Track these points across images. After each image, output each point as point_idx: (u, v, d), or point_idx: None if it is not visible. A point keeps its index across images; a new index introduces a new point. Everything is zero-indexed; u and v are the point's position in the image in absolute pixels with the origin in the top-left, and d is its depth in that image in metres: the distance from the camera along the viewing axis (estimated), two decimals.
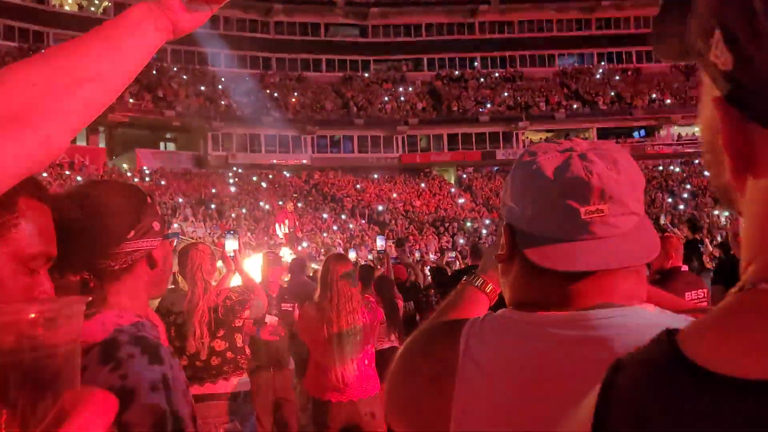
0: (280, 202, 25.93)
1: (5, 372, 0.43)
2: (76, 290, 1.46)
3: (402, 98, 45.69)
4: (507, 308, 1.13)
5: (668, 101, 44.35)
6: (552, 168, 1.06)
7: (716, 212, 29.32)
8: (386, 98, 45.19)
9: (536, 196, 1.07)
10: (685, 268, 5.65)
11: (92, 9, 41.04)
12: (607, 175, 1.04)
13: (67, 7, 40.39)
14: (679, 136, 44.47)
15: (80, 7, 41.10)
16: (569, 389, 0.90)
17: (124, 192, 1.53)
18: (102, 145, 38.95)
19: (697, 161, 41.14)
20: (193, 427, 1.37)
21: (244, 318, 4.42)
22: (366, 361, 4.58)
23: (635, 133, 45.27)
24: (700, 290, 5.37)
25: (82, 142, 37.03)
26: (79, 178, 30.22)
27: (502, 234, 1.16)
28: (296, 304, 5.85)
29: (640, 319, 1.01)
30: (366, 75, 47.82)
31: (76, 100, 0.85)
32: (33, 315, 0.44)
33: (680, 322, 1.01)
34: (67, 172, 31.31)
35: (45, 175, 29.13)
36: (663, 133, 44.47)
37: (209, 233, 26.07)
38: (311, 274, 9.56)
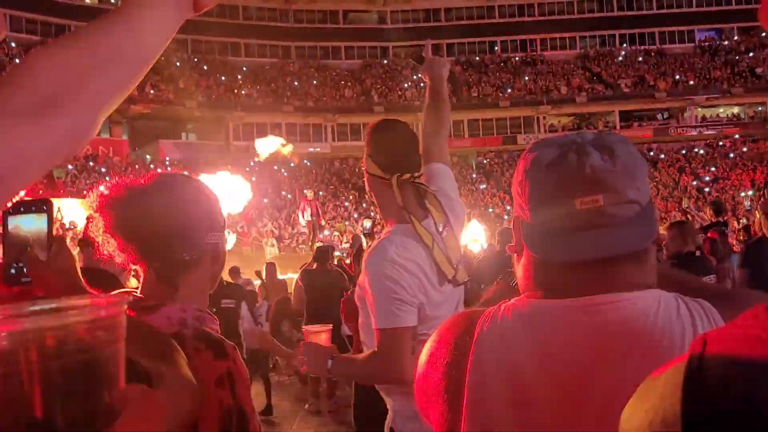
0: (306, 192, 26.01)
1: (52, 375, 0.43)
2: (153, 281, 1.50)
3: (422, 84, 45.33)
4: (518, 297, 1.17)
5: (692, 82, 43.78)
6: (548, 161, 1.10)
7: (742, 194, 28.99)
8: (406, 85, 45.05)
9: (534, 188, 1.11)
10: (698, 253, 5.76)
11: (113, 0, 41.27)
12: (600, 166, 1.06)
13: (88, 0, 40.65)
14: (704, 117, 43.93)
15: None
16: (574, 371, 1.02)
17: (199, 186, 1.58)
18: (125, 137, 39.27)
19: (721, 143, 40.64)
20: (256, 420, 1.40)
21: None
22: None
23: (658, 116, 44.77)
24: (711, 276, 5.49)
25: (105, 135, 37.36)
26: (103, 170, 30.55)
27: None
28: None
29: (642, 304, 1.05)
30: (385, 62, 47.70)
31: (102, 82, 0.83)
32: (78, 318, 0.44)
33: (687, 304, 1.05)
34: (91, 164, 31.66)
35: (70, 167, 29.49)
36: (687, 115, 43.93)
37: (232, 222, 26.27)
38: (336, 263, 9.60)
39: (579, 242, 1.06)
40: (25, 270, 1.28)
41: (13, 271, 1.28)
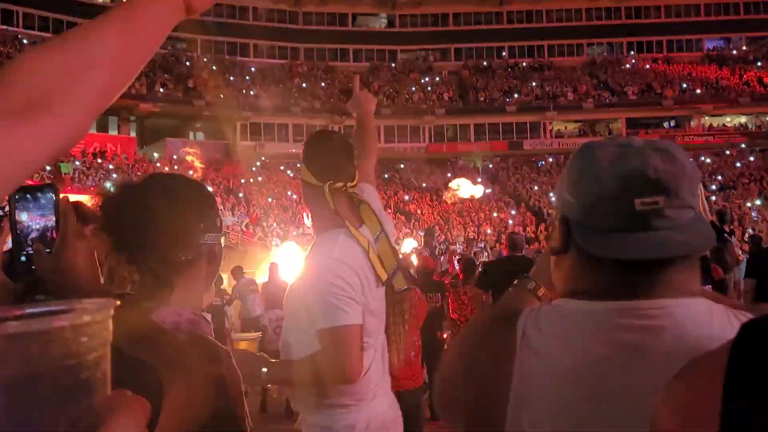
0: None
1: (35, 382, 0.43)
2: (148, 281, 1.48)
3: (429, 88, 45.55)
4: (561, 299, 1.16)
5: (698, 91, 43.71)
6: (608, 160, 1.07)
7: (748, 204, 28.95)
8: (413, 88, 45.08)
9: (592, 186, 1.08)
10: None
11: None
12: (663, 168, 1.04)
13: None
14: (710, 126, 43.86)
15: None
16: (623, 375, 1.02)
17: (195, 185, 1.57)
18: (133, 134, 39.40)
19: (728, 152, 40.57)
20: (247, 426, 1.40)
21: None
22: (413, 353, 4.53)
23: (665, 124, 44.71)
24: (707, 287, 5.58)
25: (113, 132, 37.51)
26: (110, 167, 30.66)
27: (556, 227, 1.18)
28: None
29: (694, 311, 1.04)
30: (393, 65, 47.75)
31: (94, 83, 0.83)
32: (63, 323, 0.44)
33: (736, 315, 1.05)
34: (99, 161, 31.76)
35: (78, 164, 29.61)
36: (693, 123, 43.87)
37: (237, 222, 26.37)
38: None
39: (636, 242, 1.04)
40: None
41: (23, 258, 1.23)
